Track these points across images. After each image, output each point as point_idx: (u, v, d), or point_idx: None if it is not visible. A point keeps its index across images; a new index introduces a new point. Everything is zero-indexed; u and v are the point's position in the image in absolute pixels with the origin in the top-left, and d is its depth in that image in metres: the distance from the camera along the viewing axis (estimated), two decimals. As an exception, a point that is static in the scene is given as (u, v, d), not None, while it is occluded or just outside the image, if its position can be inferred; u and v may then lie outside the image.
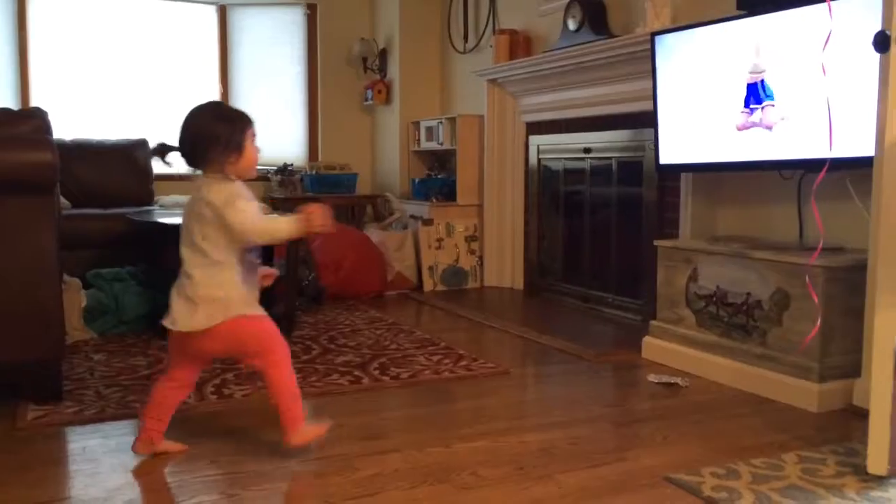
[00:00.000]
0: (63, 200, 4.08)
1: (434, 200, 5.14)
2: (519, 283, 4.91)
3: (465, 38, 5.45)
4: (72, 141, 4.91)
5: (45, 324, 2.46)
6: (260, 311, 2.08)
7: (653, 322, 3.21)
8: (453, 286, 4.99)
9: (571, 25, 4.08)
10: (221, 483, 1.94)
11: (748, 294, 2.77)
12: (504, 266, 4.98)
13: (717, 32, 2.95)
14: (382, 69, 6.00)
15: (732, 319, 2.84)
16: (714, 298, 2.91)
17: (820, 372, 2.53)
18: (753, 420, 2.45)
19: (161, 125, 5.69)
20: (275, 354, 2.07)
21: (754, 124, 2.84)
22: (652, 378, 2.89)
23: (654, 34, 3.25)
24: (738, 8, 2.94)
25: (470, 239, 5.07)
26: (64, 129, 5.06)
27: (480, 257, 5.07)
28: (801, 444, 2.22)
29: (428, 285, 4.92)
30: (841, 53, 2.51)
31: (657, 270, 3.17)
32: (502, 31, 4.79)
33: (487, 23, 5.16)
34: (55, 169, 2.43)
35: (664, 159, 3.25)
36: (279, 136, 6.17)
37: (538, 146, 4.67)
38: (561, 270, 4.55)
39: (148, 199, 4.95)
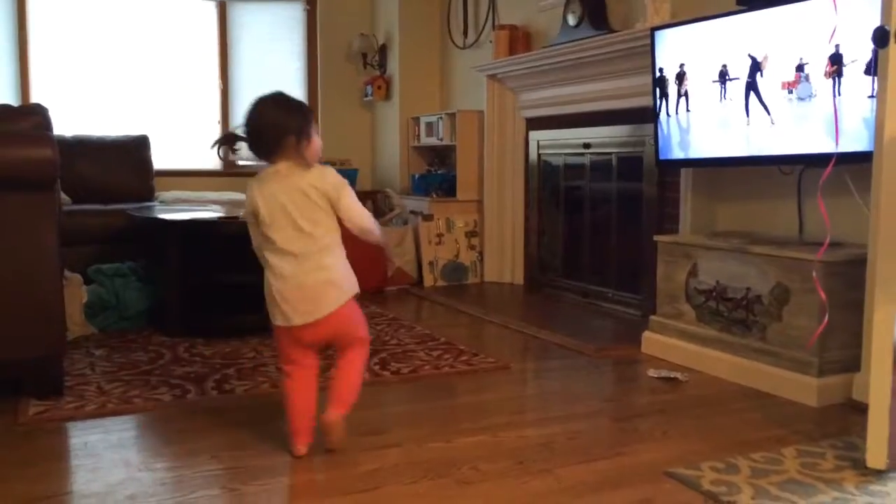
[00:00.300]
0: (64, 196, 4.08)
1: (434, 196, 5.14)
2: (519, 279, 4.91)
3: (465, 33, 5.44)
4: (72, 137, 4.91)
5: (46, 319, 2.47)
6: None
7: (652, 317, 3.21)
8: (453, 281, 4.99)
9: (571, 21, 4.08)
10: (222, 478, 1.95)
11: (748, 289, 2.77)
12: (504, 261, 4.98)
13: (716, 27, 2.95)
14: (382, 65, 6.00)
15: (732, 314, 2.84)
16: (714, 293, 2.91)
17: (819, 366, 2.53)
18: (753, 415, 2.45)
19: (161, 121, 5.71)
20: (366, 334, 2.16)
21: (755, 118, 2.84)
22: (651, 373, 2.90)
23: (653, 29, 3.24)
24: (738, 3, 2.94)
25: (470, 234, 5.07)
26: (64, 125, 5.06)
27: (480, 253, 5.07)
28: (800, 438, 2.22)
29: (428, 281, 4.92)
30: (841, 48, 2.51)
31: (657, 265, 3.18)
32: (502, 27, 4.78)
33: (487, 18, 5.16)
34: (55, 165, 2.43)
35: (664, 154, 3.26)
36: (279, 131, 6.16)
37: (538, 141, 4.67)
38: (561, 266, 4.56)
39: (149, 195, 4.95)
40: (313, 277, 2.01)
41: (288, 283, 2.02)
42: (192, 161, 5.88)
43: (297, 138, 2.01)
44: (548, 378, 2.97)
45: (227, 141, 2.10)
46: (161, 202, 4.86)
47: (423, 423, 2.36)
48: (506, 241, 4.95)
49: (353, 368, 2.11)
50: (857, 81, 2.49)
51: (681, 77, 3.12)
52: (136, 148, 5.09)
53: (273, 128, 2.02)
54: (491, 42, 4.85)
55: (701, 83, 3.03)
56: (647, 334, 3.22)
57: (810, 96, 2.63)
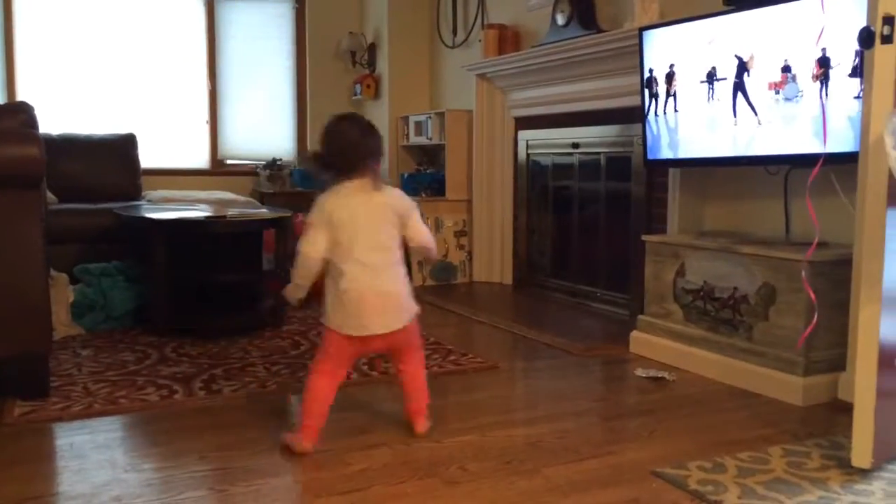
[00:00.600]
0: (50, 195, 4.06)
1: (423, 195, 5.14)
2: (508, 278, 4.92)
3: (454, 32, 5.44)
4: (59, 135, 4.88)
5: (32, 319, 2.45)
6: None
7: (640, 317, 3.22)
8: (442, 281, 4.99)
9: (560, 20, 4.09)
10: (210, 478, 1.94)
11: (735, 289, 2.78)
12: (493, 261, 4.98)
13: (704, 27, 2.96)
14: (371, 64, 5.99)
15: (719, 314, 2.86)
16: (701, 293, 2.93)
17: (805, 366, 2.55)
18: (740, 414, 2.46)
19: (149, 119, 5.68)
20: (422, 346, 2.32)
21: (742, 119, 2.85)
22: (639, 372, 2.91)
23: (641, 29, 3.25)
24: (726, 3, 2.95)
25: (459, 234, 5.08)
26: (51, 123, 5.03)
27: (469, 252, 5.07)
28: (786, 437, 2.24)
29: (417, 280, 4.92)
30: (828, 50, 2.53)
31: (645, 265, 3.19)
32: (491, 26, 4.79)
33: (476, 17, 5.16)
34: (41, 163, 2.42)
35: (652, 154, 3.27)
36: (267, 130, 6.16)
37: (527, 141, 4.67)
38: (549, 265, 4.56)
39: (136, 194, 4.93)
40: (394, 289, 2.15)
41: (369, 294, 2.10)
42: (180, 160, 5.86)
43: (375, 159, 2.17)
44: (536, 378, 2.97)
45: (316, 160, 2.19)
46: (148, 201, 4.83)
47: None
48: (495, 240, 4.96)
49: (422, 376, 2.29)
50: (842, 82, 2.51)
51: (670, 77, 3.13)
52: (124, 146, 5.06)
53: (355, 147, 2.14)
54: (480, 41, 4.85)
55: (689, 83, 3.04)
56: (634, 334, 3.23)
57: (797, 97, 2.65)
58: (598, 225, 4.14)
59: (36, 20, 5.42)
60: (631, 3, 3.60)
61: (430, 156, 5.64)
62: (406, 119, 5.62)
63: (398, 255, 2.18)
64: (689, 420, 2.40)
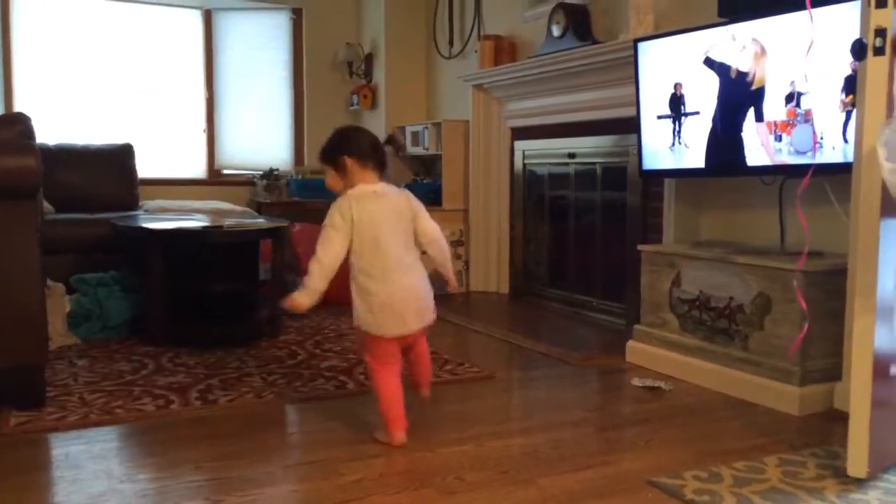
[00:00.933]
0: (46, 205, 4.06)
1: (420, 205, 5.14)
2: (504, 288, 4.92)
3: (451, 43, 5.47)
4: (56, 145, 4.88)
5: (28, 329, 2.45)
6: None
7: (636, 326, 3.23)
8: (439, 291, 4.98)
9: (556, 31, 4.11)
10: (206, 489, 1.94)
11: (730, 298, 2.79)
12: (489, 270, 4.99)
13: (699, 39, 2.98)
14: (368, 74, 6.01)
15: (715, 324, 2.86)
16: (697, 303, 2.93)
17: (801, 376, 2.56)
18: (735, 423, 2.47)
19: (146, 129, 5.69)
20: None
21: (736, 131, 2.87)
22: (635, 382, 2.91)
23: (636, 41, 3.27)
24: (720, 15, 2.97)
25: (455, 244, 5.08)
26: (48, 133, 5.04)
27: (466, 262, 5.08)
28: (782, 447, 2.24)
29: (413, 290, 4.91)
30: (822, 60, 2.54)
31: (641, 275, 3.20)
32: (487, 37, 4.81)
33: (473, 28, 5.18)
34: (38, 174, 2.42)
35: (647, 165, 3.28)
36: (265, 140, 6.17)
37: (523, 151, 4.69)
38: (546, 275, 4.57)
39: (133, 204, 4.93)
40: (424, 286, 2.26)
41: (406, 295, 2.20)
42: (177, 170, 5.86)
43: (388, 165, 2.34)
44: (532, 387, 2.97)
45: (350, 152, 2.27)
46: (145, 211, 4.83)
47: (407, 433, 2.35)
48: (491, 250, 4.97)
49: (428, 353, 2.45)
50: (835, 92, 2.52)
51: (664, 87, 3.15)
52: (120, 156, 5.07)
53: (380, 146, 2.32)
54: (476, 52, 4.88)
55: (686, 94, 3.06)
56: (631, 343, 3.23)
57: (792, 106, 2.66)
58: (594, 235, 4.15)
59: (33, 30, 5.44)
60: (626, 14, 3.62)
61: (427, 166, 5.65)
62: (403, 129, 5.63)
63: (418, 253, 2.28)
64: (685, 430, 2.40)
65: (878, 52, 1.86)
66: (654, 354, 3.10)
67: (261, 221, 4.10)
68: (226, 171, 6.08)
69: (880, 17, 1.85)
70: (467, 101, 4.97)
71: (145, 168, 5.34)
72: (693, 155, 3.06)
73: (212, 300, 3.64)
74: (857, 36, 2.16)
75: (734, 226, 3.27)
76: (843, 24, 2.46)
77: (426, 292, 2.27)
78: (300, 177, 5.89)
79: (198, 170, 6.00)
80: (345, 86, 6.14)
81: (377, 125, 5.88)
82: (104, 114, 5.61)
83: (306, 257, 4.39)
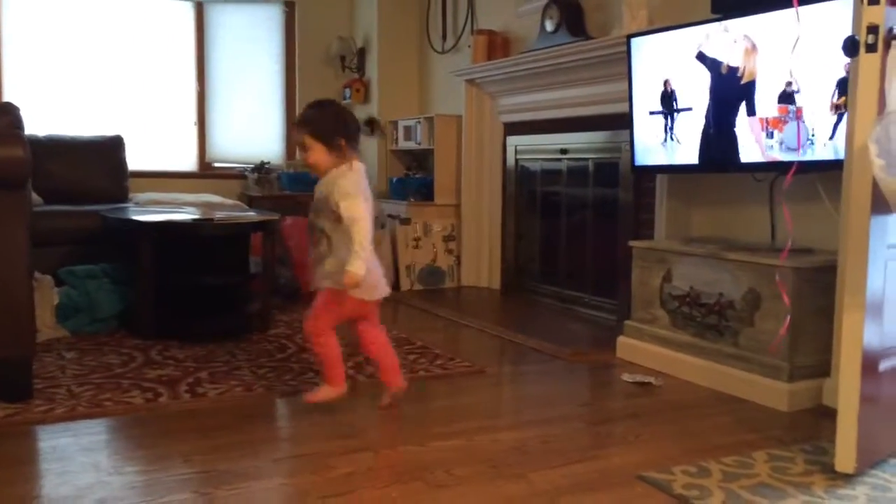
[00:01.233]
0: (35, 197, 4.03)
1: (411, 200, 5.14)
2: (496, 283, 4.92)
3: (444, 37, 5.45)
4: (45, 136, 4.85)
5: (16, 321, 2.43)
6: None
7: (627, 322, 3.23)
8: (430, 286, 4.99)
9: (549, 27, 4.10)
10: (194, 481, 1.93)
11: (721, 294, 2.80)
12: (481, 266, 4.99)
13: (692, 35, 2.98)
14: (360, 68, 5.99)
15: (705, 320, 2.87)
16: (687, 299, 2.94)
17: (790, 372, 2.56)
18: (725, 419, 2.47)
19: (136, 121, 5.65)
20: None
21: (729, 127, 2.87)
22: (626, 377, 2.91)
23: (629, 36, 3.27)
24: (713, 12, 2.97)
25: (447, 239, 5.08)
26: (37, 124, 5.00)
27: (458, 257, 5.07)
28: (771, 442, 2.25)
29: (405, 285, 4.92)
30: (811, 57, 2.55)
31: (632, 271, 3.20)
32: (480, 32, 4.80)
33: (466, 23, 5.17)
34: (26, 165, 2.40)
35: (639, 161, 3.28)
36: (256, 133, 6.14)
37: (516, 147, 4.69)
38: (537, 270, 4.57)
39: (122, 196, 4.90)
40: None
41: (377, 264, 2.41)
42: (168, 162, 5.83)
43: None
44: (523, 382, 2.98)
45: (346, 134, 2.40)
46: (135, 203, 4.81)
47: (397, 427, 2.36)
48: (483, 245, 4.97)
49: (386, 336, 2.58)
50: (827, 89, 2.53)
51: (656, 83, 3.14)
52: (111, 148, 5.03)
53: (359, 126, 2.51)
54: (469, 47, 4.87)
55: (679, 90, 3.06)
56: (621, 339, 3.24)
57: (784, 102, 2.66)
58: (585, 230, 4.16)
59: (23, 20, 5.39)
60: (619, 10, 3.62)
61: (419, 160, 5.64)
62: (395, 123, 5.62)
63: None
64: (674, 425, 2.41)
65: (870, 49, 1.87)
66: (644, 350, 3.11)
67: (251, 214, 4.09)
68: (217, 165, 6.05)
69: (872, 14, 1.85)
70: (460, 96, 4.96)
71: (135, 160, 5.30)
72: (685, 151, 3.06)
73: (202, 293, 3.62)
74: (850, 33, 2.16)
75: (726, 222, 3.28)
76: (836, 20, 2.47)
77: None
78: (291, 170, 5.87)
79: (188, 163, 5.97)
80: (337, 80, 6.12)
81: (369, 119, 5.88)
82: (95, 105, 5.57)
83: (297, 251, 4.41)
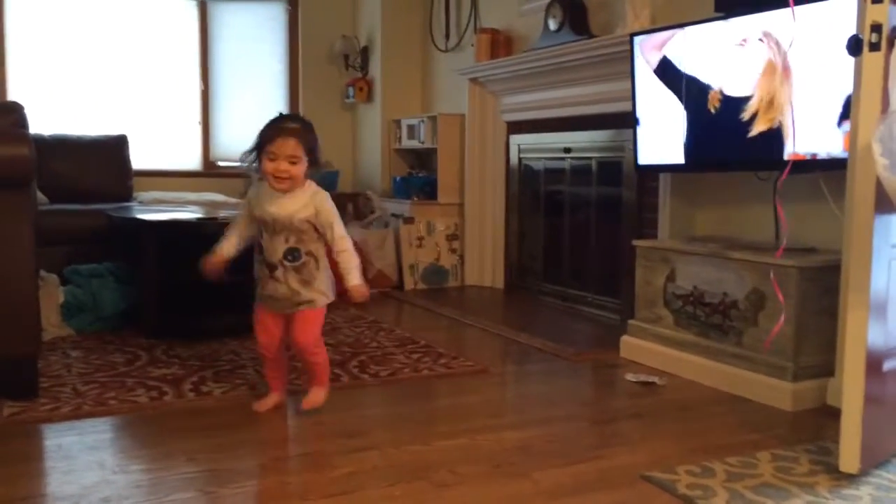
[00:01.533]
0: (40, 196, 4.05)
1: (415, 199, 5.14)
2: (499, 282, 4.92)
3: (447, 36, 5.45)
4: (50, 136, 4.86)
5: (21, 320, 2.44)
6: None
7: (631, 321, 3.23)
8: (434, 285, 4.99)
9: (552, 25, 4.10)
10: (198, 480, 1.94)
11: (725, 294, 2.79)
12: (484, 265, 4.99)
13: (696, 34, 2.97)
14: (364, 67, 5.99)
15: (709, 319, 2.87)
16: (691, 298, 2.94)
17: (794, 371, 2.56)
18: (729, 419, 2.47)
19: (140, 120, 5.66)
20: None
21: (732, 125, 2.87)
22: (630, 377, 2.91)
23: (633, 35, 3.27)
24: (717, 10, 2.97)
25: (451, 238, 5.08)
26: (42, 123, 5.01)
27: (461, 256, 5.08)
28: (775, 442, 2.25)
29: (408, 284, 4.92)
30: (816, 55, 2.54)
31: (636, 270, 3.20)
32: (483, 31, 4.79)
33: (469, 22, 5.17)
34: (31, 164, 2.41)
35: (643, 160, 3.28)
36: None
37: (519, 145, 4.68)
38: (541, 269, 4.57)
39: (127, 196, 4.91)
40: None
41: None
42: (172, 161, 5.84)
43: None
44: (526, 381, 2.98)
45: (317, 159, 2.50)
46: (140, 202, 4.82)
47: (401, 426, 2.36)
48: (486, 244, 4.97)
49: None
50: (832, 88, 2.52)
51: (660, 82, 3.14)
52: (115, 147, 5.04)
53: None
54: (472, 45, 4.87)
55: (683, 88, 3.06)
56: (625, 338, 3.24)
57: (787, 101, 2.66)
58: (589, 229, 4.16)
59: (28, 19, 5.40)
60: (623, 8, 3.62)
61: (423, 159, 5.64)
62: (398, 122, 5.62)
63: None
64: (678, 424, 2.41)
65: (874, 47, 1.86)
66: (648, 350, 3.11)
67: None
68: (221, 163, 6.06)
69: (876, 13, 1.85)
70: (463, 95, 4.96)
71: (140, 159, 5.31)
72: (687, 150, 3.06)
73: (206, 292, 3.62)
74: (854, 32, 2.16)
75: (729, 221, 3.27)
76: (841, 19, 2.46)
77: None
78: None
79: (192, 162, 5.98)
80: (340, 78, 6.12)
81: (373, 118, 5.88)
82: (99, 104, 5.57)
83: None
